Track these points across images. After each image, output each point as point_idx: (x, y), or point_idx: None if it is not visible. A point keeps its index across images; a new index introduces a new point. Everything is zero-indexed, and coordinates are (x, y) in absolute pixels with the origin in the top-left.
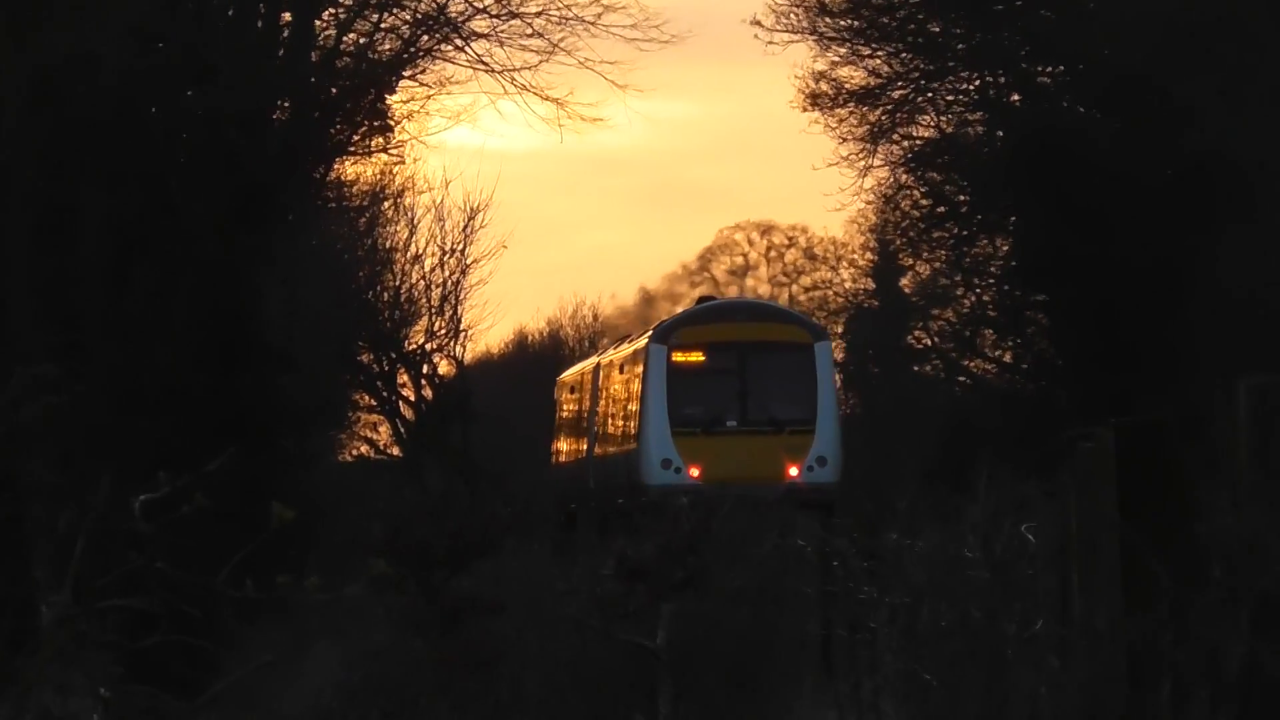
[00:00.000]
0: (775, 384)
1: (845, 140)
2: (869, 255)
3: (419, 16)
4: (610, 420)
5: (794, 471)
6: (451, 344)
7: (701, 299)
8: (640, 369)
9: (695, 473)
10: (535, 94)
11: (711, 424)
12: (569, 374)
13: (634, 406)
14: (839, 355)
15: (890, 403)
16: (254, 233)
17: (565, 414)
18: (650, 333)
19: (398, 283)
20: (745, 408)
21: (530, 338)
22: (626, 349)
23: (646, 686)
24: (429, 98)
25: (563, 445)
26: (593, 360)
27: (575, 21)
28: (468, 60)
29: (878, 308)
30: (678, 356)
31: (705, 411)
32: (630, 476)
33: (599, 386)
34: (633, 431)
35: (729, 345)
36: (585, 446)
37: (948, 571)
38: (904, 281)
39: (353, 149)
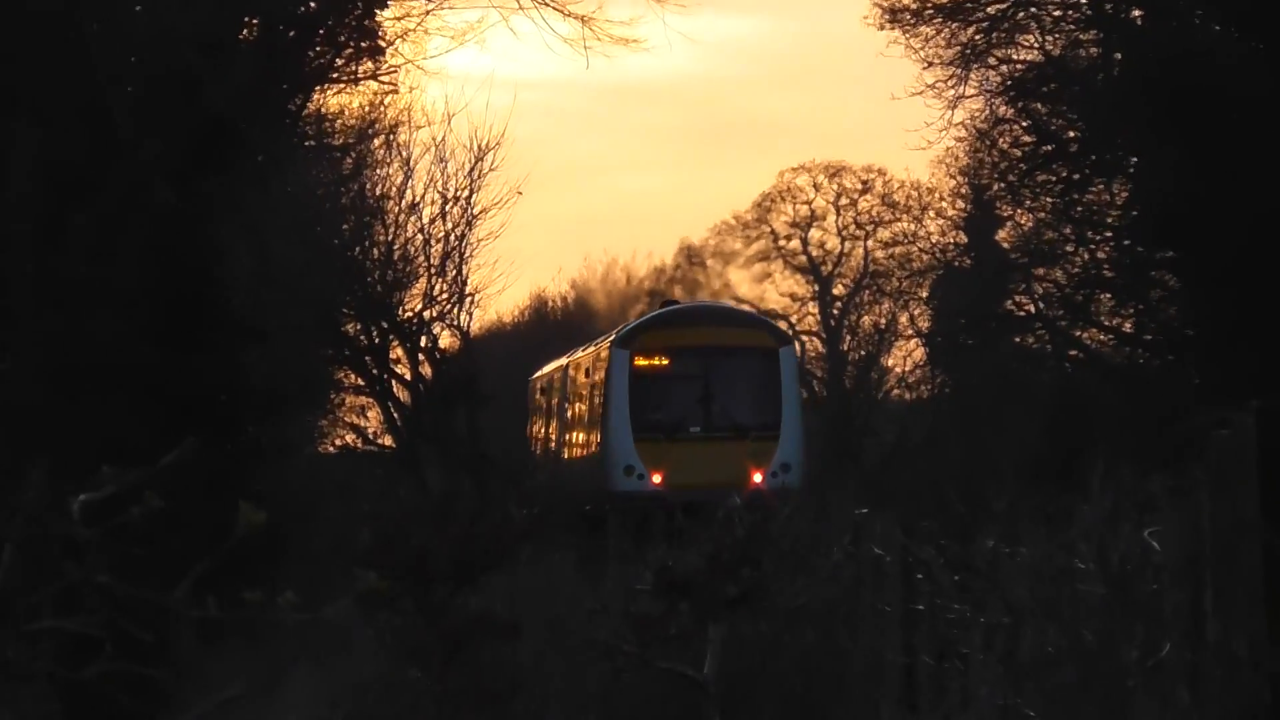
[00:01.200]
0: (739, 389)
1: (931, 64)
2: (960, 203)
3: None
4: (575, 425)
5: (758, 478)
6: (455, 311)
7: (665, 302)
8: (603, 374)
9: (658, 479)
10: (556, 9)
11: (674, 430)
12: (541, 374)
13: (597, 411)
14: (923, 324)
15: (985, 381)
16: (217, 177)
17: (537, 417)
18: (613, 337)
19: (390, 237)
20: (709, 413)
21: (551, 304)
22: (591, 351)
23: None
24: (428, 13)
25: (536, 450)
26: (562, 361)
27: None
28: None
29: (970, 267)
30: (640, 361)
31: (668, 417)
32: (594, 482)
33: (566, 390)
34: (596, 437)
35: (692, 350)
36: (555, 451)
37: (1055, 586)
38: (1002, 235)
39: (336, 76)
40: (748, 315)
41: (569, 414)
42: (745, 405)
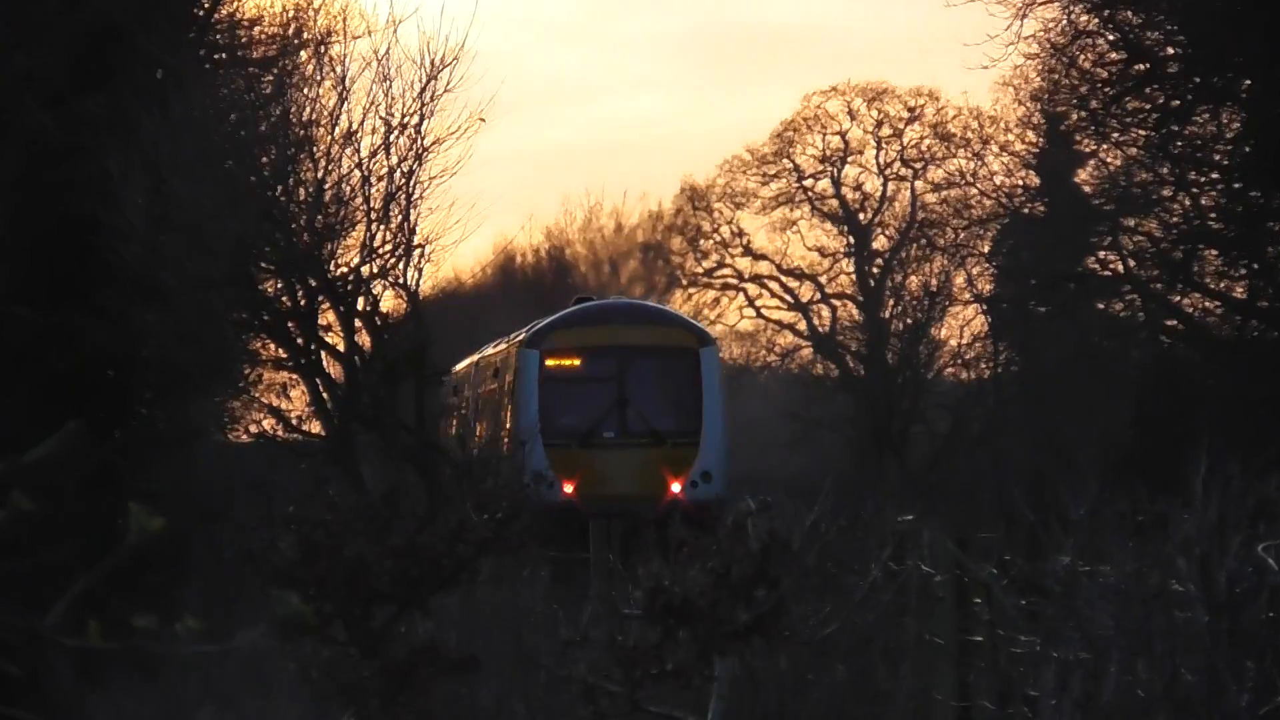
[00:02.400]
0: (657, 392)
1: None
2: (1030, 136)
3: None
4: (483, 429)
5: (676, 488)
6: (401, 267)
7: (578, 299)
8: (511, 375)
9: (569, 489)
10: None
11: (587, 436)
12: (459, 368)
13: (505, 415)
14: (984, 286)
15: (1061, 358)
16: (103, 97)
17: (451, 418)
18: (522, 336)
19: (321, 174)
20: (624, 418)
21: (521, 258)
22: (500, 350)
23: None
24: None
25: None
26: (474, 358)
27: None
28: None
29: (1043, 215)
30: (551, 362)
31: (581, 422)
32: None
33: (476, 390)
34: (504, 443)
35: (607, 350)
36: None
37: (1147, 613)
38: (1082, 176)
39: None
40: (667, 313)
41: (478, 416)
42: (663, 409)
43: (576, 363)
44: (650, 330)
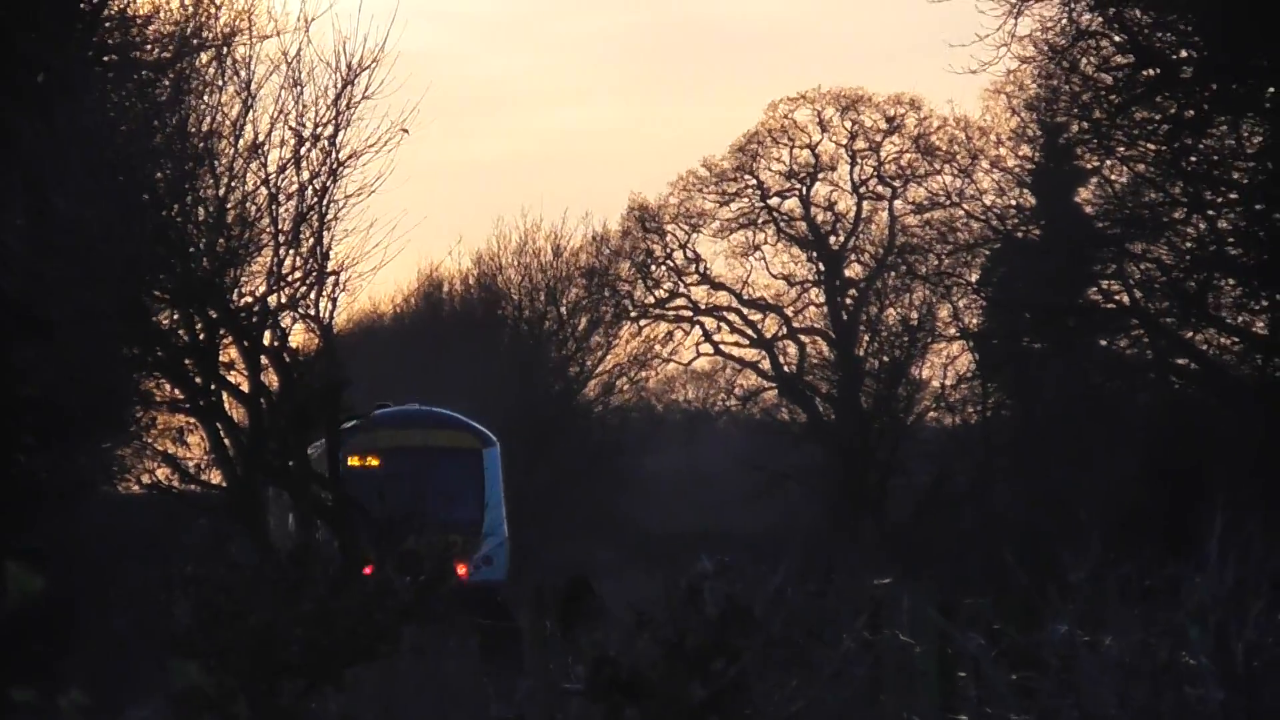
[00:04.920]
0: (445, 487)
1: None
2: (1025, 150)
3: None
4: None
5: (461, 570)
6: (313, 296)
7: (378, 405)
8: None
9: (368, 571)
10: None
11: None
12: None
13: None
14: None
15: (1059, 400)
16: None
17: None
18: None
19: (222, 191)
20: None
21: (450, 287)
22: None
23: None
24: None
25: None
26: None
27: None
28: None
29: (1039, 239)
30: (354, 461)
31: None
32: None
33: None
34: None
35: (403, 451)
36: None
37: (1155, 689)
38: (1084, 195)
39: None
40: (455, 419)
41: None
42: (450, 501)
43: (375, 462)
44: (440, 433)
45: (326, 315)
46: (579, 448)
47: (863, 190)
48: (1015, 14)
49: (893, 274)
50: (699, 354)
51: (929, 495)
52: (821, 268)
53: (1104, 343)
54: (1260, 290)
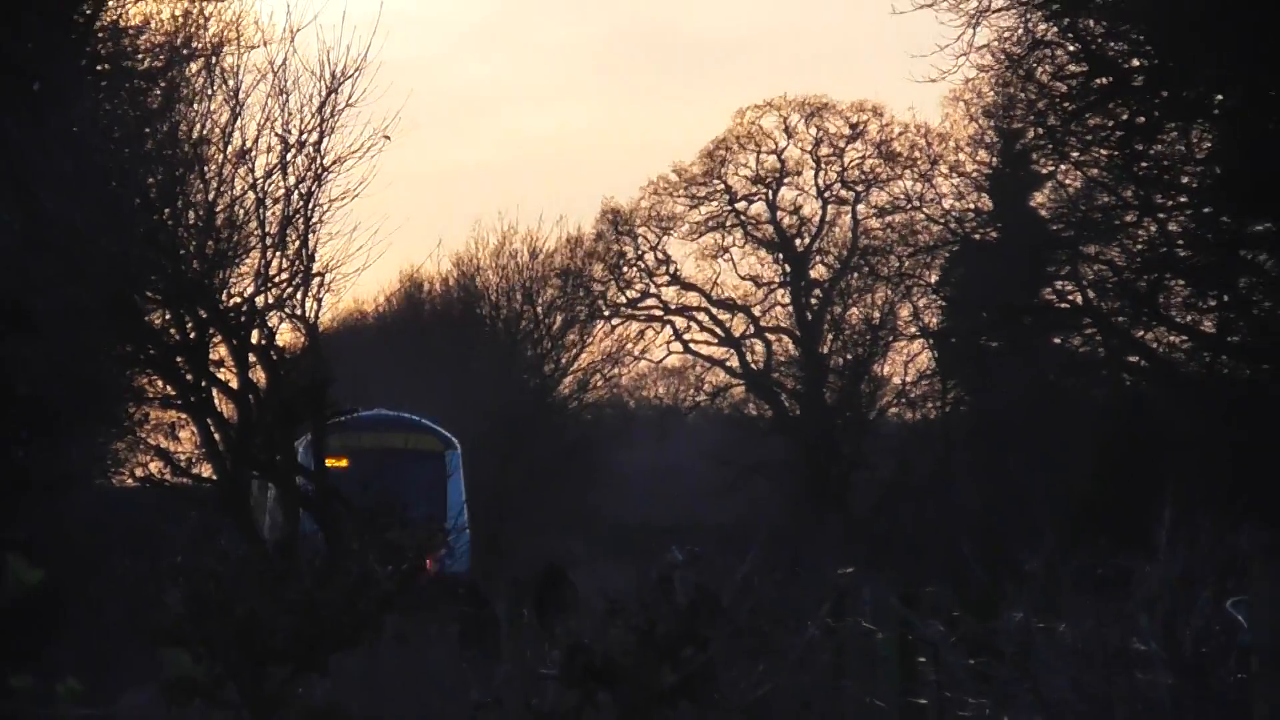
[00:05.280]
0: (411, 486)
1: None
2: (982, 155)
3: None
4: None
5: (428, 564)
6: (298, 297)
7: (346, 411)
8: None
9: None
10: None
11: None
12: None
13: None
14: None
15: (1015, 396)
16: None
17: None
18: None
19: (211, 195)
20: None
21: (430, 288)
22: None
23: None
24: None
25: None
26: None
27: None
28: None
29: (996, 241)
30: (328, 462)
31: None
32: None
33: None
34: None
35: (369, 452)
36: None
37: (1106, 675)
38: (1039, 199)
39: None
40: (419, 423)
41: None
42: (415, 499)
43: (343, 462)
44: (404, 436)
45: (312, 315)
46: (554, 443)
47: (827, 194)
48: (974, 24)
49: (855, 275)
50: (670, 352)
51: (891, 488)
52: (787, 269)
53: (1059, 341)
54: (1208, 291)
